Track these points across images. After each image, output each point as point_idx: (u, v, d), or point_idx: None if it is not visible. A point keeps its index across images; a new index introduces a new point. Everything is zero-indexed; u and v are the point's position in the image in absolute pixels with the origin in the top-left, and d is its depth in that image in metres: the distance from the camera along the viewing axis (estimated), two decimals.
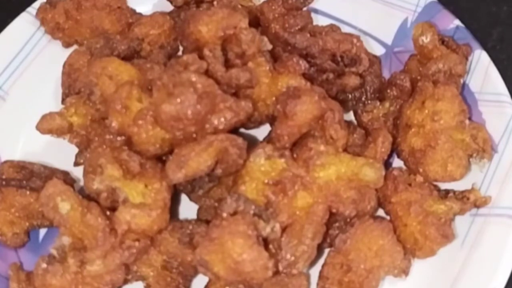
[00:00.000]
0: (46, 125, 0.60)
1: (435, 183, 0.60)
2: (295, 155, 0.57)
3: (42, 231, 0.63)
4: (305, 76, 0.61)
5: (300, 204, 0.55)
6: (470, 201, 0.58)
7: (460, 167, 0.59)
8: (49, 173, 0.61)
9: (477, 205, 0.58)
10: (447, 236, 0.57)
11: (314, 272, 0.57)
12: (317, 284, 0.57)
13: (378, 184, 0.57)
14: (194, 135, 0.55)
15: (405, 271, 0.57)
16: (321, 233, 0.55)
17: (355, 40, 0.62)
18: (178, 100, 0.52)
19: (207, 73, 0.56)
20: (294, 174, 0.55)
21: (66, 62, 0.66)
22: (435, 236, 0.56)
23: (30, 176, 0.60)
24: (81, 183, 0.60)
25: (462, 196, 0.58)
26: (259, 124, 0.63)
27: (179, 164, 0.54)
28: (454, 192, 0.59)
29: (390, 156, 0.61)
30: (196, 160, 0.54)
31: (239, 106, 0.55)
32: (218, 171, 0.55)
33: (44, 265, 0.55)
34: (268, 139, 0.59)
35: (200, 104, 0.53)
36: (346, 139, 0.58)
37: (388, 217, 0.59)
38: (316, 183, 0.55)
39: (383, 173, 0.57)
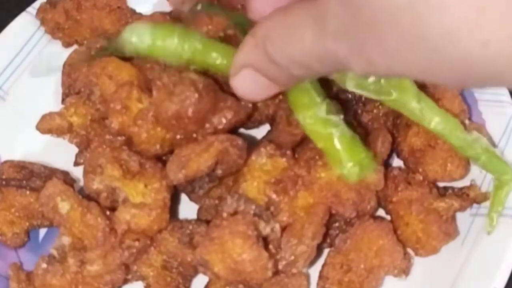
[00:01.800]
0: (46, 125, 0.60)
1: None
2: (296, 155, 0.57)
3: (42, 231, 0.63)
4: None
5: (301, 203, 0.55)
6: (469, 197, 0.58)
7: (460, 167, 0.59)
8: (49, 173, 0.61)
9: (477, 201, 0.58)
10: (449, 234, 0.57)
11: (314, 272, 0.57)
12: (317, 284, 0.57)
13: (379, 186, 0.57)
14: (195, 135, 0.55)
15: (405, 271, 0.57)
16: (321, 233, 0.55)
17: None
18: (179, 98, 0.52)
19: (207, 73, 0.56)
20: (296, 173, 0.55)
21: (66, 62, 0.66)
22: (437, 234, 0.57)
23: (30, 176, 0.60)
24: (81, 183, 0.60)
25: (461, 193, 0.58)
26: (259, 124, 0.63)
27: (179, 164, 0.54)
28: (453, 189, 0.59)
29: (390, 156, 0.61)
30: (197, 161, 0.54)
31: (239, 105, 0.55)
32: (218, 171, 0.55)
33: (44, 265, 0.55)
34: (270, 139, 0.59)
35: (201, 103, 0.53)
36: None
37: (388, 217, 0.59)
38: (317, 183, 0.55)
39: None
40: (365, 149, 0.51)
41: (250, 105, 0.57)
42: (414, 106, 0.50)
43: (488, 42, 0.28)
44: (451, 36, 0.28)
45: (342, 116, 0.50)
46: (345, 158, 0.51)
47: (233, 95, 0.57)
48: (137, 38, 0.52)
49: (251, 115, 0.59)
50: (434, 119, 0.51)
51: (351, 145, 0.51)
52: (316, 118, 0.50)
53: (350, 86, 0.46)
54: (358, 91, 0.47)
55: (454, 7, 0.28)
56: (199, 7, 0.57)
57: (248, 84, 0.43)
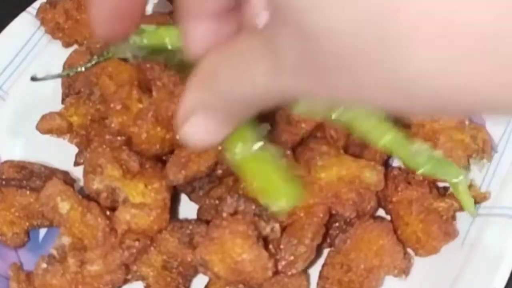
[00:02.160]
0: (46, 125, 0.61)
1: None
2: (296, 155, 0.57)
3: (42, 231, 0.63)
4: None
5: (301, 204, 0.55)
6: None
7: (460, 167, 0.59)
8: (49, 173, 0.61)
9: (477, 201, 0.58)
10: (449, 234, 0.57)
11: (314, 272, 0.57)
12: (317, 284, 0.57)
13: (379, 187, 0.57)
14: None
15: (405, 271, 0.57)
16: (320, 233, 0.55)
17: None
18: (179, 98, 0.52)
19: None
20: (296, 174, 0.55)
21: (66, 62, 0.66)
22: (437, 234, 0.56)
23: (30, 176, 0.60)
24: (81, 183, 0.60)
25: None
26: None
27: (179, 165, 0.54)
28: None
29: (390, 156, 0.61)
30: (197, 162, 0.54)
31: None
32: (218, 171, 0.55)
33: (44, 265, 0.55)
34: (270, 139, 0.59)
35: None
36: (346, 139, 0.58)
37: (388, 217, 0.59)
38: (317, 183, 0.55)
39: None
40: (295, 179, 0.48)
41: None
42: (366, 125, 0.48)
43: (460, 87, 0.25)
44: (422, 77, 0.26)
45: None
46: (281, 194, 0.47)
47: None
48: (140, 36, 0.52)
49: None
50: (384, 137, 0.50)
51: (285, 178, 0.47)
52: (249, 153, 0.46)
53: (299, 111, 0.44)
54: (306, 115, 0.44)
55: (423, 50, 0.25)
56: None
57: (201, 131, 0.37)
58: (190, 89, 0.36)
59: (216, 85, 0.34)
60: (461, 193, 0.56)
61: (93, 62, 0.56)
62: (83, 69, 0.57)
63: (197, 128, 0.37)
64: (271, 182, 0.45)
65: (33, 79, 0.56)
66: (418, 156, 0.52)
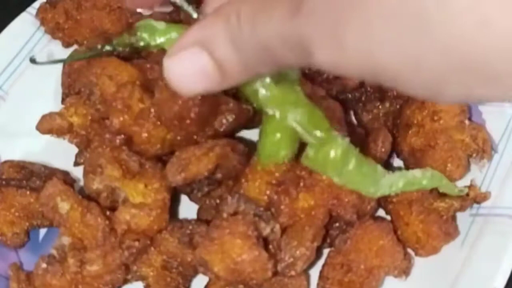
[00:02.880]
0: (46, 125, 0.60)
1: None
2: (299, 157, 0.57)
3: (42, 231, 0.63)
4: (305, 76, 0.61)
5: (301, 205, 0.55)
6: (470, 197, 0.58)
7: (460, 167, 0.59)
8: (49, 173, 0.61)
9: (477, 201, 0.58)
10: (449, 234, 0.57)
11: (314, 272, 0.57)
12: (317, 284, 0.57)
13: None
14: (195, 136, 0.55)
15: (405, 272, 0.57)
16: (320, 235, 0.55)
17: None
18: (182, 99, 0.52)
19: None
20: (297, 175, 0.55)
21: (66, 62, 0.66)
22: (437, 234, 0.57)
23: (30, 176, 0.60)
24: (81, 183, 0.60)
25: None
26: (260, 124, 0.62)
27: (179, 167, 0.54)
28: None
29: (390, 156, 0.61)
30: (197, 164, 0.54)
31: (241, 108, 0.55)
32: (218, 175, 0.55)
33: (44, 265, 0.55)
34: None
35: (203, 104, 0.53)
36: None
37: (388, 217, 0.59)
38: (319, 185, 0.55)
39: None
40: None
41: (251, 108, 0.57)
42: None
43: (486, 22, 0.23)
44: (446, 11, 0.24)
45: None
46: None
47: (235, 97, 0.57)
48: (149, 33, 0.52)
49: (251, 118, 0.59)
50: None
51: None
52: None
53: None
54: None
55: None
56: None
57: (186, 68, 0.34)
58: (204, 21, 0.33)
59: (235, 22, 0.32)
60: (442, 187, 0.56)
61: (96, 52, 0.56)
62: (86, 56, 0.56)
63: (185, 65, 0.33)
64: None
65: (32, 61, 0.55)
66: (384, 186, 0.52)
